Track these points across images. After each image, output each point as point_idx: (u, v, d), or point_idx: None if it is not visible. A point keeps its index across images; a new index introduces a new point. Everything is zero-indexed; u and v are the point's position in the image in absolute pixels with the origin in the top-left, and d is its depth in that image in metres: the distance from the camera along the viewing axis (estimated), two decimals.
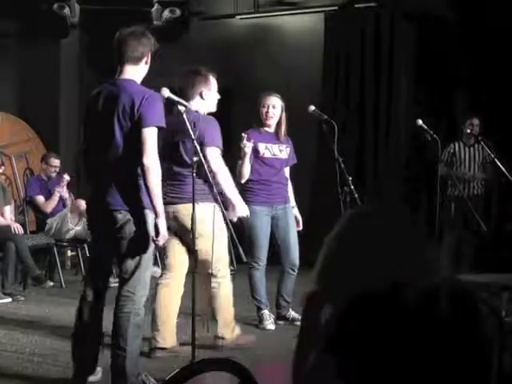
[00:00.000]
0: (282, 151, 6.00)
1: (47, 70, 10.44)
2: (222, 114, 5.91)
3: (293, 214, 6.07)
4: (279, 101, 5.93)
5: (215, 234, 4.88)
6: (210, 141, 4.90)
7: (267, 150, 5.94)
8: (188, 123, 4.39)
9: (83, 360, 4.25)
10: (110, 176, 4.08)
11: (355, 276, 1.78)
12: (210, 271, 5.02)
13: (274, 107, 5.91)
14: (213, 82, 5.23)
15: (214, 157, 4.92)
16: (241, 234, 5.46)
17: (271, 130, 6.00)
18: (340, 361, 1.77)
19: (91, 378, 4.29)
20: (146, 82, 5.80)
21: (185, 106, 4.51)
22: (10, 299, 6.86)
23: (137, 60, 4.16)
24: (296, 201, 6.23)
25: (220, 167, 5.01)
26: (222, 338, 5.15)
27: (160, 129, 4.08)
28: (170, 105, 5.27)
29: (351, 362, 1.77)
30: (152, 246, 4.11)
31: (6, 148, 9.90)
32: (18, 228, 7.32)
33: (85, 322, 4.24)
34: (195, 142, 4.47)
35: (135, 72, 4.18)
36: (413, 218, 1.87)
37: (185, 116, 4.47)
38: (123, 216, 4.04)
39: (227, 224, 4.79)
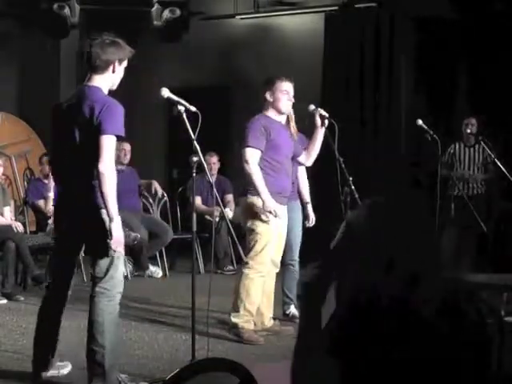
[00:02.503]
0: None
1: (47, 70, 10.44)
2: (221, 113, 5.94)
3: (298, 211, 6.10)
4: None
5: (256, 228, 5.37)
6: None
7: None
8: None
9: (40, 354, 4.36)
10: (76, 180, 4.22)
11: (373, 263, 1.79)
12: (246, 260, 5.38)
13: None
14: (282, 85, 5.52)
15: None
16: (241, 235, 5.48)
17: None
18: (344, 363, 1.77)
19: (62, 371, 4.42)
20: (147, 81, 5.79)
21: (184, 106, 4.51)
22: (5, 301, 6.82)
23: (101, 69, 4.24)
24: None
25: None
26: (234, 324, 5.45)
27: (119, 138, 4.17)
28: (169, 105, 5.28)
29: (356, 365, 1.76)
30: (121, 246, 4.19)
31: (5, 148, 9.90)
32: (19, 227, 7.31)
33: (46, 319, 4.37)
34: (195, 142, 4.47)
35: (102, 80, 4.26)
36: (427, 209, 1.89)
37: (184, 116, 4.47)
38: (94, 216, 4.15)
39: (226, 223, 4.86)
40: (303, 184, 6.35)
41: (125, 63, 4.34)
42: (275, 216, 5.37)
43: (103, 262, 4.19)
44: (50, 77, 10.43)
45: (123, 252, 4.27)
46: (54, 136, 4.43)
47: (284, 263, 6.01)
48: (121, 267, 4.28)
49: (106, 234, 4.09)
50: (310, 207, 6.29)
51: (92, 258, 4.27)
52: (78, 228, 4.24)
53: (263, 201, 5.32)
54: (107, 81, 4.28)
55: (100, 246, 4.14)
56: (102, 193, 4.07)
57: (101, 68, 4.24)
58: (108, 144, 4.09)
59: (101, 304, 4.18)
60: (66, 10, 9.64)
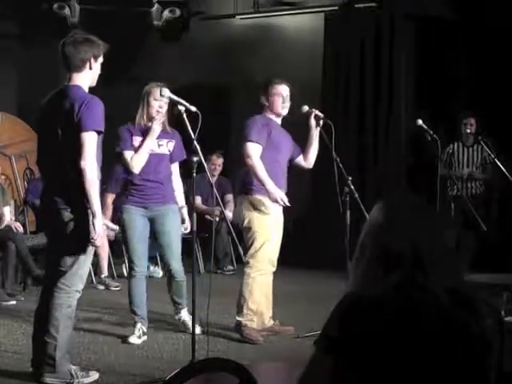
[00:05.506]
0: (161, 146, 5.51)
1: (47, 69, 10.42)
2: (221, 113, 5.94)
3: (177, 216, 5.54)
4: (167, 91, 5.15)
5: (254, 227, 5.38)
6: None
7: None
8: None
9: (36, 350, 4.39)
10: (56, 177, 4.29)
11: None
12: (246, 259, 5.37)
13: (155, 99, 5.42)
14: (275, 88, 5.52)
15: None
16: (241, 234, 5.47)
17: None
18: (339, 363, 1.77)
19: (86, 380, 4.36)
20: (147, 81, 5.79)
21: (184, 106, 4.51)
22: (14, 301, 6.82)
23: (78, 67, 4.29)
24: (297, 201, 6.17)
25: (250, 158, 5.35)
26: (238, 322, 5.45)
27: (99, 133, 4.20)
28: (170, 105, 5.27)
29: (352, 365, 1.76)
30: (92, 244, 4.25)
31: (5, 148, 9.90)
32: (18, 227, 7.31)
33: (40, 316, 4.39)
34: (195, 142, 4.48)
35: (80, 78, 4.31)
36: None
37: (185, 116, 4.48)
38: (69, 214, 4.22)
39: (226, 223, 4.86)
40: (177, 186, 5.63)
41: (101, 59, 4.38)
42: (283, 204, 5.38)
43: (69, 257, 4.25)
44: (50, 77, 10.40)
45: (92, 250, 4.31)
46: (38, 137, 4.48)
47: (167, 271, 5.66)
48: (87, 265, 4.36)
49: (84, 230, 4.14)
50: (184, 211, 5.63)
51: (60, 251, 4.28)
52: (45, 226, 4.47)
53: (268, 191, 5.32)
54: (86, 78, 4.33)
55: (75, 240, 4.21)
56: (84, 189, 4.12)
57: (77, 66, 4.29)
58: (88, 140, 4.14)
59: (59, 299, 4.27)
60: (66, 10, 9.64)
